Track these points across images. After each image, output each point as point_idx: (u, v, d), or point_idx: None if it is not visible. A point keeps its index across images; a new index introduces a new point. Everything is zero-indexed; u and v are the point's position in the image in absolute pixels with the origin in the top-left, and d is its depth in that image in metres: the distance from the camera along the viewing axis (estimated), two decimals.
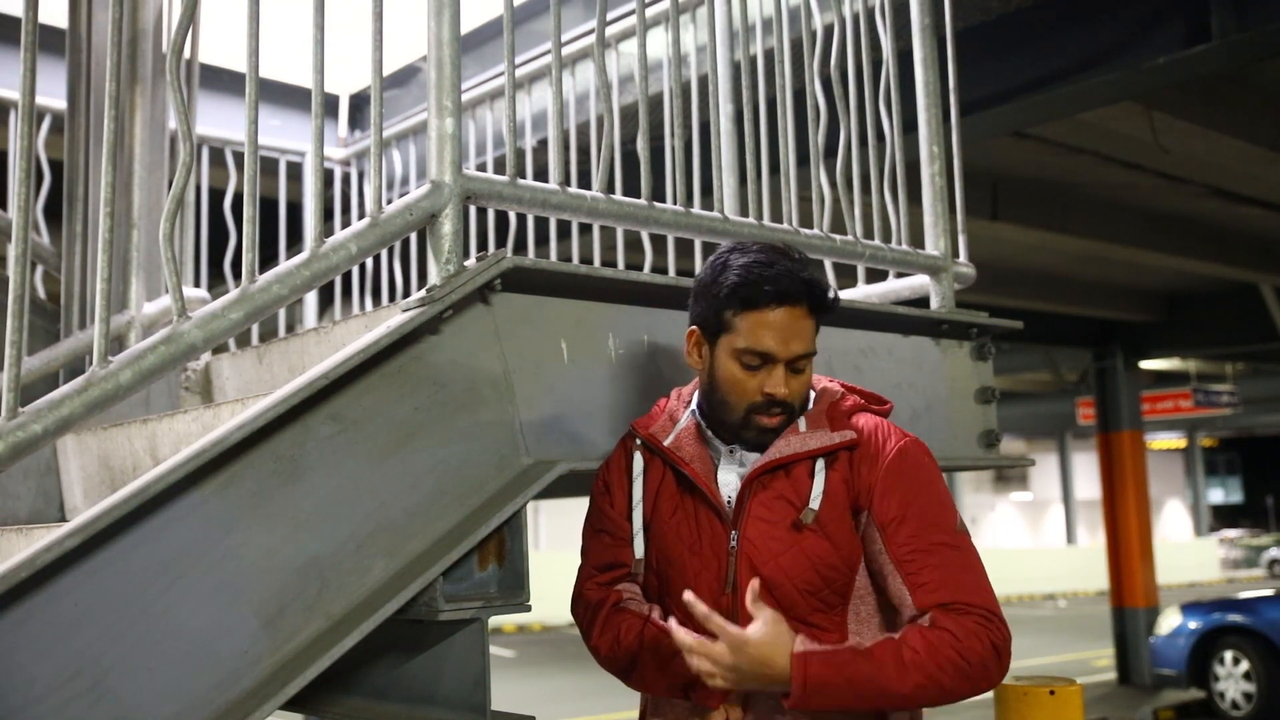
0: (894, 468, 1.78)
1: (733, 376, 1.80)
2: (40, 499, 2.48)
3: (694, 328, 1.87)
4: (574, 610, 1.94)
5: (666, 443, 1.88)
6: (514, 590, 1.98)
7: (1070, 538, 29.10)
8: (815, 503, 1.76)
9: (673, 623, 1.72)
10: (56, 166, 3.31)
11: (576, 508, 2.09)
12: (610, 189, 2.29)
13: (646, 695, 1.93)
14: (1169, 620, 9.89)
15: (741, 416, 1.81)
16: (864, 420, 1.85)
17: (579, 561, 1.97)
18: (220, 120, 4.45)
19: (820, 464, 1.79)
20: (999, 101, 5.46)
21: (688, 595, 1.67)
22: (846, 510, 1.78)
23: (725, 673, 1.63)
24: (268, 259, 4.36)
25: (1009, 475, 32.51)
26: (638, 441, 1.92)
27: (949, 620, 1.67)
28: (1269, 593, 10.25)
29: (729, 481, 1.84)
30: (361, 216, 1.97)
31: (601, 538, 1.92)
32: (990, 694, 3.13)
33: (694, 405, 1.92)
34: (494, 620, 2.70)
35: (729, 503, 1.82)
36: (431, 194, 1.95)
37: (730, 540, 1.79)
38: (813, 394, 1.89)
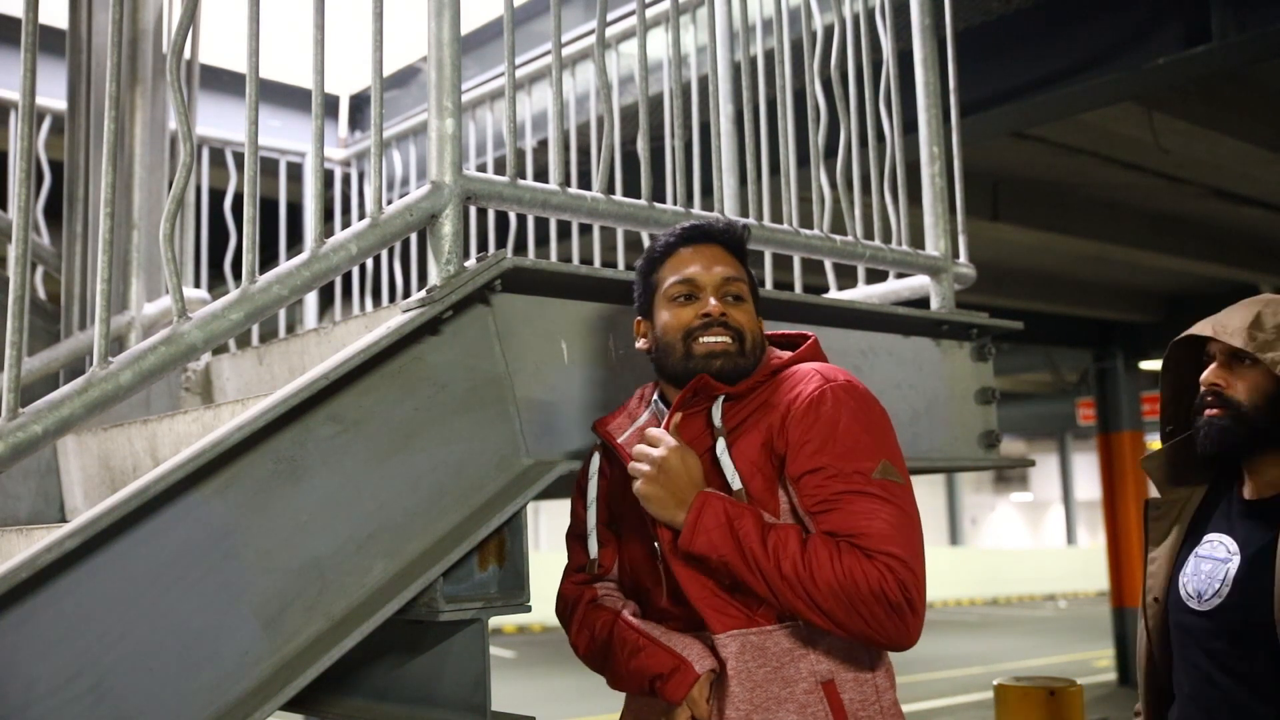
0: (802, 418, 1.70)
1: (670, 317, 1.82)
2: (40, 499, 2.48)
3: (638, 319, 1.92)
4: (557, 610, 1.95)
5: (620, 440, 1.86)
6: (514, 591, 1.98)
7: (1070, 538, 29.10)
8: (736, 481, 1.71)
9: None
10: (57, 167, 3.31)
11: None
12: (610, 189, 2.29)
13: (627, 699, 1.89)
14: None
15: (683, 349, 1.80)
16: (791, 374, 1.80)
17: None
18: (220, 121, 4.45)
19: (721, 443, 1.74)
20: (999, 102, 5.46)
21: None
22: (773, 471, 1.73)
23: (654, 466, 1.68)
24: (268, 260, 4.37)
25: (1009, 476, 32.51)
26: (596, 440, 1.94)
27: (852, 553, 1.61)
28: None
29: None
30: (362, 217, 1.97)
31: (574, 540, 1.95)
32: (990, 694, 3.13)
33: (653, 400, 1.90)
34: (494, 621, 2.70)
35: None
36: (432, 194, 1.95)
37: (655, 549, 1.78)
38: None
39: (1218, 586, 1.96)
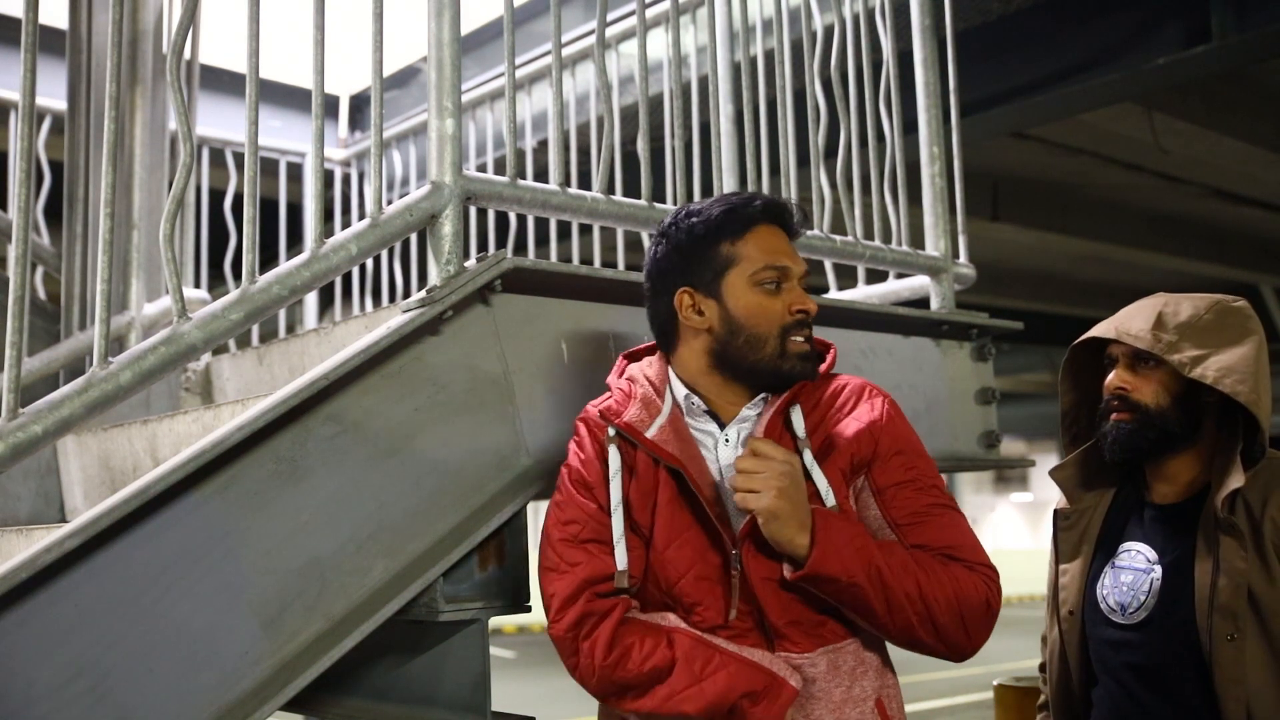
0: (889, 428, 1.69)
1: (758, 304, 1.67)
2: (40, 500, 2.48)
3: (684, 289, 1.71)
4: (563, 628, 1.64)
5: (651, 435, 1.67)
6: (514, 591, 1.97)
7: None
8: (830, 497, 1.62)
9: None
10: (57, 167, 3.31)
11: None
12: (610, 189, 2.29)
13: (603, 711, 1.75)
14: None
15: (778, 344, 1.67)
16: (844, 381, 1.77)
17: (554, 575, 1.68)
18: (220, 121, 4.45)
19: (809, 454, 1.65)
20: (999, 102, 5.47)
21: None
22: (844, 481, 1.67)
23: (783, 480, 1.53)
24: (268, 260, 4.36)
25: (1009, 476, 32.52)
26: (611, 432, 1.70)
27: (956, 566, 1.61)
28: None
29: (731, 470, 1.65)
30: (362, 217, 1.97)
31: (588, 547, 1.66)
32: (991, 694, 3.13)
33: (675, 387, 1.73)
34: (494, 621, 2.70)
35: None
36: (432, 195, 1.95)
37: (734, 561, 1.63)
38: None
39: (1142, 599, 1.90)
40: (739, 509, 1.59)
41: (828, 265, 2.95)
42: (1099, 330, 1.99)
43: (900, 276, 3.01)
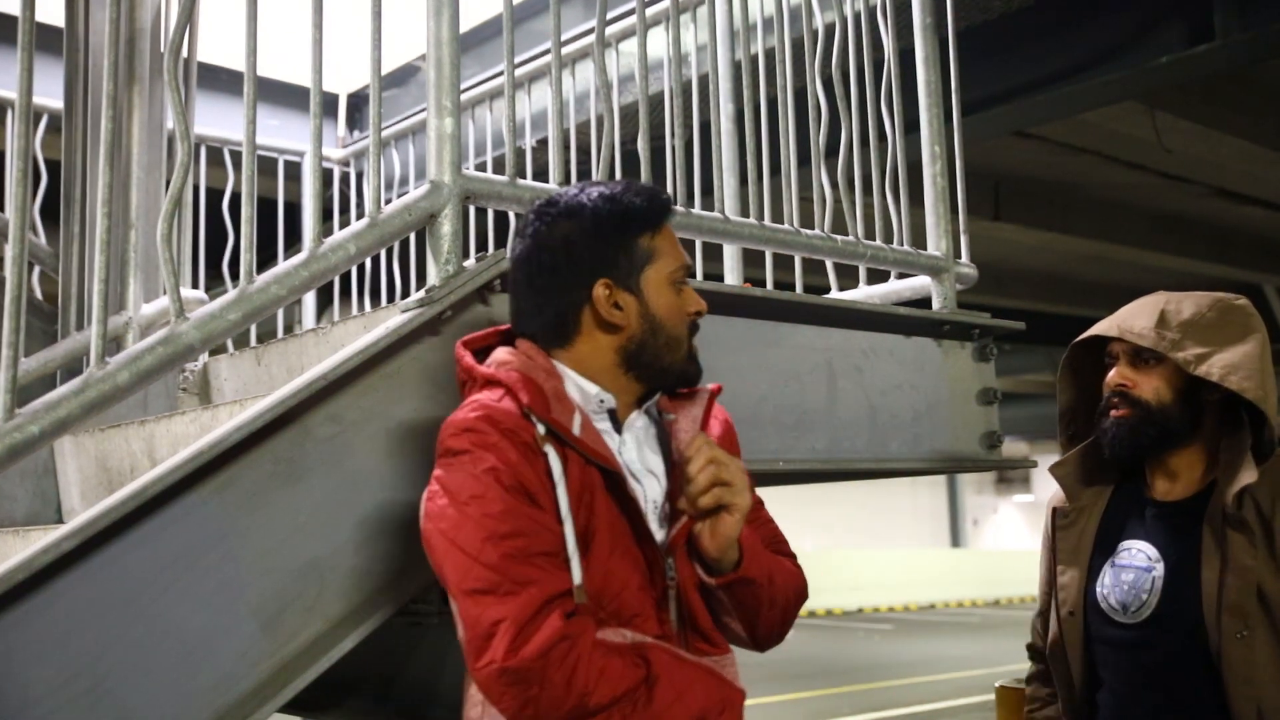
0: (728, 430, 1.73)
1: (673, 306, 1.62)
2: (37, 500, 2.47)
3: (604, 281, 1.58)
4: (533, 657, 1.37)
5: (579, 433, 1.52)
6: None
7: None
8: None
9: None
10: (54, 167, 3.30)
11: None
12: None
13: None
14: None
15: (689, 346, 1.64)
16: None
17: (489, 598, 1.41)
18: (218, 120, 4.45)
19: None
20: (1001, 101, 5.46)
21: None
22: None
23: (745, 476, 1.52)
24: (266, 260, 4.36)
25: (1011, 477, 32.50)
26: (541, 430, 1.50)
27: (784, 560, 1.70)
28: None
29: (650, 483, 1.59)
30: (360, 217, 1.96)
31: (537, 561, 1.43)
32: (992, 696, 3.12)
33: (582, 384, 1.59)
34: None
35: (655, 506, 1.58)
36: (430, 194, 1.94)
37: (669, 569, 1.56)
38: None
39: (1145, 597, 1.90)
40: (699, 507, 1.51)
41: (829, 265, 2.94)
42: (1100, 328, 1.98)
43: (901, 276, 3.00)
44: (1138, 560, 1.94)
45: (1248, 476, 1.84)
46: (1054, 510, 2.11)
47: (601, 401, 1.60)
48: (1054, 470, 2.10)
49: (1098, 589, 1.97)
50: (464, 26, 2.03)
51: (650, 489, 1.59)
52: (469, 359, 1.62)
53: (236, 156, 4.27)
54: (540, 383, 1.54)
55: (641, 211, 1.61)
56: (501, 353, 1.61)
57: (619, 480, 1.53)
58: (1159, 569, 1.90)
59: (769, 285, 2.99)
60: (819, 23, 2.95)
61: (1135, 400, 1.93)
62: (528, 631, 1.37)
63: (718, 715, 1.47)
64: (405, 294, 4.38)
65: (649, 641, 1.48)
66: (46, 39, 2.51)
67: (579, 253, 1.59)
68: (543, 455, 1.48)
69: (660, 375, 1.62)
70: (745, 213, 2.71)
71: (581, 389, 1.60)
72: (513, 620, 1.38)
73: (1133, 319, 1.95)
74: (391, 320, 1.84)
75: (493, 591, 1.39)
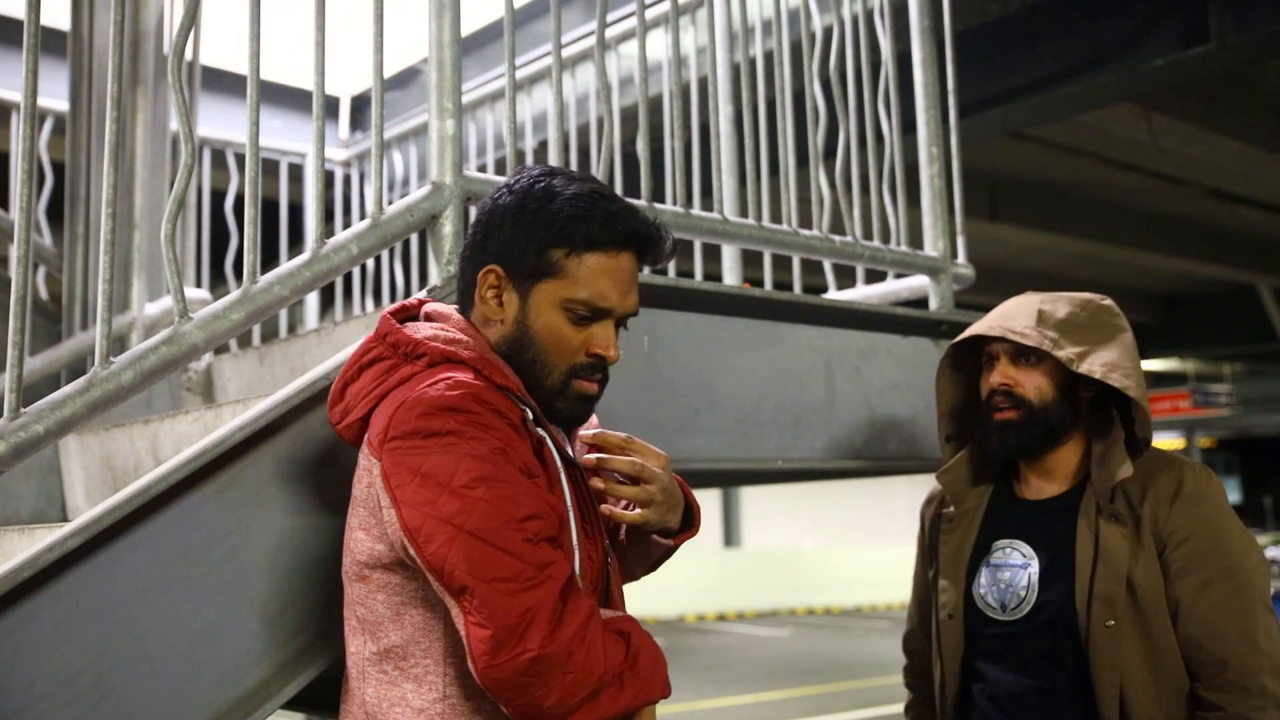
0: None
1: (556, 331, 1.49)
2: (42, 499, 2.48)
3: (494, 266, 1.50)
4: (569, 643, 1.32)
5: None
6: None
7: None
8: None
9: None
10: (59, 168, 3.31)
11: None
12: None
13: None
14: None
15: (560, 381, 1.50)
16: None
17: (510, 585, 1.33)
18: (222, 122, 4.45)
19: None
20: (998, 103, 5.47)
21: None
22: None
23: (661, 477, 1.58)
24: (269, 260, 4.36)
25: None
26: (528, 413, 1.47)
27: None
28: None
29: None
30: (362, 218, 1.97)
31: (547, 545, 1.38)
32: None
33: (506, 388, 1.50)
34: None
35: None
36: (432, 195, 1.95)
37: (608, 551, 1.59)
38: None
39: (1022, 594, 1.92)
40: (649, 500, 1.59)
41: (827, 265, 2.96)
42: (981, 328, 1.99)
43: (899, 277, 3.01)
44: (1012, 559, 1.96)
45: (1124, 471, 1.87)
46: (939, 515, 2.11)
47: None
48: (941, 478, 2.09)
49: (974, 589, 1.99)
50: (465, 29, 2.04)
51: None
52: (414, 332, 1.51)
53: (240, 158, 4.28)
54: (499, 365, 1.50)
55: (567, 223, 1.47)
56: (428, 328, 1.52)
57: (573, 462, 1.54)
58: (1034, 565, 1.93)
59: (768, 285, 3.01)
60: (817, 25, 2.97)
61: (1020, 399, 1.95)
62: (562, 615, 1.32)
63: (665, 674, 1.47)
64: (407, 294, 4.40)
65: (618, 614, 1.47)
66: (51, 42, 2.53)
67: (496, 231, 1.52)
68: (532, 436, 1.45)
69: (539, 398, 1.51)
70: (744, 213, 2.73)
71: None
72: (546, 606, 1.31)
73: (1012, 319, 1.96)
74: None
75: (518, 578, 1.32)
